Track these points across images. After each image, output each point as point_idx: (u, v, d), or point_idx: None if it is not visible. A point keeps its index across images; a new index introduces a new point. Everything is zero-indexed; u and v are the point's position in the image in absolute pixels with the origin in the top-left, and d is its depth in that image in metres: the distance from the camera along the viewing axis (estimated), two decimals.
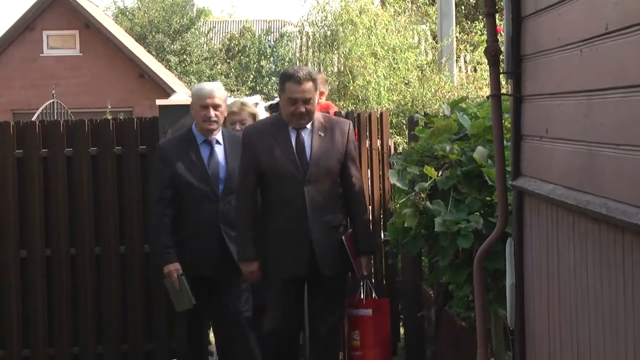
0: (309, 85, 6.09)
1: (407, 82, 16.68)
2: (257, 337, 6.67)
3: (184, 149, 6.72)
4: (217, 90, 6.77)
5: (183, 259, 6.62)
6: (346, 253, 6.19)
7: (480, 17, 19.98)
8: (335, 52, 19.45)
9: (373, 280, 7.61)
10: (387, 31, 18.17)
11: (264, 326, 6.35)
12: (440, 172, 5.71)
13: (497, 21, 4.77)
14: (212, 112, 6.64)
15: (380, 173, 8.16)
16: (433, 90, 15.42)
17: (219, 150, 6.76)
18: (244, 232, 6.24)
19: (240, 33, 43.47)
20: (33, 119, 12.37)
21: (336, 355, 6.57)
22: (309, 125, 6.19)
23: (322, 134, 6.17)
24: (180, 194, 6.66)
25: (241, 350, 6.76)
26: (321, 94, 8.66)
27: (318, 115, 6.28)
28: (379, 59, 17.27)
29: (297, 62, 26.87)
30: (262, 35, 43.14)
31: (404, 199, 5.65)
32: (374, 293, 6.69)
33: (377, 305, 6.67)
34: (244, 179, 6.29)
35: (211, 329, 7.35)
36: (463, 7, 24.98)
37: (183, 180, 6.62)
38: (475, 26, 20.21)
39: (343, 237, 6.21)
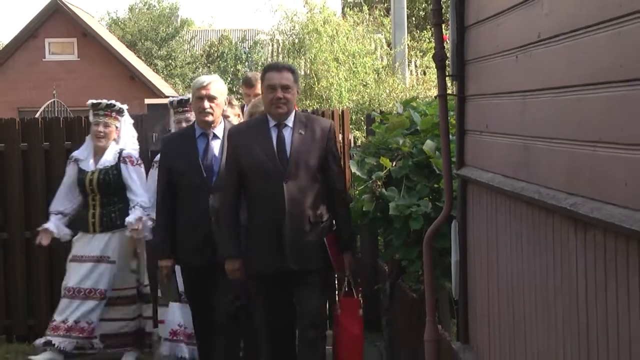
0: (288, 74, 5.51)
1: (365, 83, 16.71)
2: (240, 333, 6.12)
3: (183, 142, 6.12)
4: (212, 82, 6.07)
5: (176, 250, 6.12)
6: (327, 252, 5.50)
7: (429, 27, 20.05)
8: (302, 57, 19.41)
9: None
10: (347, 39, 18.18)
11: (255, 324, 5.71)
12: (394, 163, 5.70)
13: (443, 30, 4.77)
14: (207, 104, 5.96)
15: (342, 163, 8.15)
16: (388, 91, 15.45)
17: (216, 144, 6.07)
18: (226, 230, 5.62)
19: (219, 41, 43.30)
20: (36, 116, 12.24)
21: (319, 350, 5.65)
22: (289, 123, 5.53)
23: (302, 132, 5.50)
24: (175, 186, 6.07)
25: (220, 344, 6.07)
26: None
27: (299, 114, 5.68)
28: (340, 63, 17.29)
29: None
30: (238, 42, 43.03)
31: (363, 186, 5.66)
32: (355, 292, 5.83)
33: (346, 305, 5.85)
34: (226, 177, 5.71)
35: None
36: (414, 18, 25.10)
37: (177, 172, 6.03)
38: (424, 35, 20.30)
39: (325, 238, 5.50)
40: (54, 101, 23.11)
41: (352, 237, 5.79)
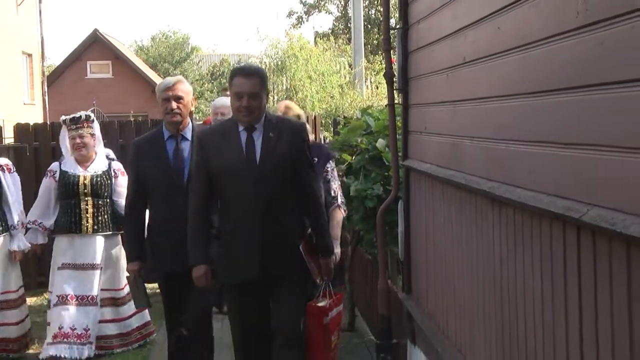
0: (255, 80, 4.04)
1: (332, 96, 16.76)
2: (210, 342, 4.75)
3: (152, 145, 4.66)
4: (177, 82, 4.65)
5: (157, 256, 4.67)
6: (302, 256, 4.11)
7: (380, 52, 20.03)
8: (284, 75, 19.46)
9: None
10: (318, 62, 18.24)
11: (231, 331, 4.27)
12: (354, 156, 5.69)
13: (392, 55, 4.75)
14: (174, 104, 4.56)
15: None
16: (349, 101, 15.49)
17: (185, 146, 4.61)
18: (193, 236, 4.17)
19: (220, 63, 42.95)
20: None
21: (300, 353, 4.19)
22: (260, 126, 4.08)
23: (273, 135, 4.08)
24: (146, 189, 4.63)
25: (188, 351, 4.65)
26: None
27: (270, 116, 4.21)
28: (313, 80, 17.34)
29: None
30: (234, 64, 42.78)
31: None
32: (333, 293, 4.40)
33: (312, 312, 4.33)
34: (194, 181, 4.24)
35: None
36: (369, 46, 25.11)
37: (148, 175, 4.59)
38: (377, 58, 20.29)
39: (300, 243, 4.11)
40: (94, 109, 22.93)
41: (327, 240, 4.27)
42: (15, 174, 5.67)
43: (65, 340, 5.46)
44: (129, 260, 4.78)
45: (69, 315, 5.50)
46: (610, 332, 1.95)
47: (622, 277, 1.87)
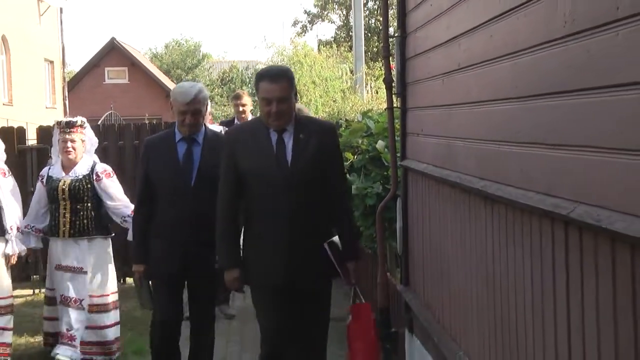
0: (283, 83, 3.67)
1: (334, 100, 16.74)
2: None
3: (163, 145, 4.32)
4: (196, 96, 4.20)
5: (153, 258, 4.31)
6: (330, 261, 3.76)
7: (380, 59, 20.00)
8: None
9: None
10: (321, 68, 18.22)
11: (260, 333, 3.89)
12: (355, 156, 5.68)
13: (390, 61, 4.74)
14: (190, 119, 4.20)
15: None
16: (351, 105, 15.44)
17: (196, 150, 4.26)
18: (223, 237, 3.84)
19: (230, 69, 42.94)
20: (98, 123, 12.15)
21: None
22: (290, 128, 3.74)
23: (303, 136, 3.73)
24: (155, 190, 4.29)
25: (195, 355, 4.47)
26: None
27: (300, 117, 3.85)
28: (316, 85, 17.32)
29: None
30: (243, 70, 42.78)
31: None
32: (362, 298, 4.13)
33: (357, 311, 4.13)
34: (223, 182, 3.83)
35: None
36: (369, 53, 25.07)
37: (155, 175, 4.27)
38: (377, 65, 20.26)
39: (325, 244, 3.74)
40: (111, 113, 23.05)
41: (356, 245, 4.00)
42: (11, 178, 5.27)
43: (68, 342, 5.25)
44: (134, 261, 4.44)
45: (68, 316, 5.26)
46: (595, 323, 1.94)
47: (607, 271, 1.87)
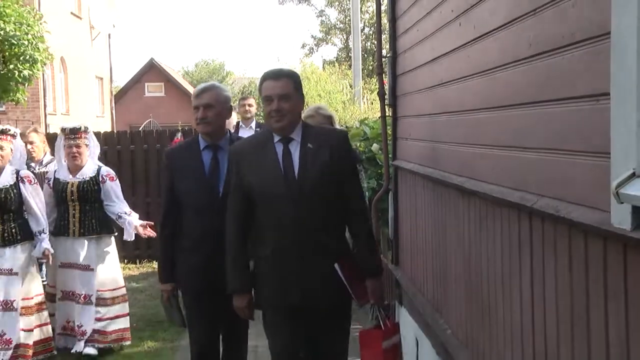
0: (284, 80, 2.92)
1: (336, 110, 16.69)
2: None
3: (187, 155, 3.41)
4: (206, 90, 3.37)
5: (180, 273, 3.43)
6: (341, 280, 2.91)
7: (375, 76, 19.97)
8: None
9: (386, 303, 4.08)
10: (326, 83, 18.18)
11: (269, 350, 3.04)
12: None
13: (383, 77, 4.74)
14: (202, 113, 3.31)
15: None
16: (350, 114, 15.43)
17: (222, 158, 3.33)
18: (233, 260, 2.98)
19: (249, 84, 43.05)
20: (140, 129, 12.17)
21: None
22: (297, 137, 2.93)
23: (312, 146, 2.91)
24: (180, 202, 3.38)
25: None
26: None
27: (309, 126, 3.04)
28: (321, 97, 17.26)
29: None
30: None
31: None
32: (387, 317, 3.41)
33: (366, 338, 3.44)
34: (231, 200, 3.01)
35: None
36: (366, 70, 24.99)
37: (181, 188, 3.37)
38: (372, 80, 20.23)
39: (336, 264, 2.89)
40: (150, 121, 23.05)
41: (375, 260, 3.07)
42: (36, 185, 4.79)
43: (72, 333, 4.96)
44: (161, 281, 3.55)
45: (73, 310, 4.94)
46: (554, 295, 1.94)
47: (564, 252, 1.87)
